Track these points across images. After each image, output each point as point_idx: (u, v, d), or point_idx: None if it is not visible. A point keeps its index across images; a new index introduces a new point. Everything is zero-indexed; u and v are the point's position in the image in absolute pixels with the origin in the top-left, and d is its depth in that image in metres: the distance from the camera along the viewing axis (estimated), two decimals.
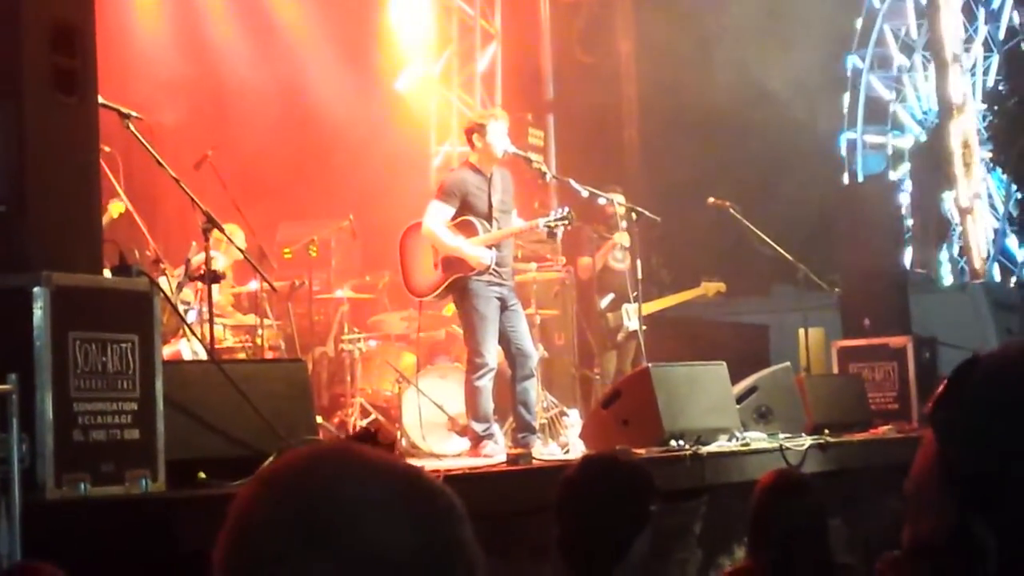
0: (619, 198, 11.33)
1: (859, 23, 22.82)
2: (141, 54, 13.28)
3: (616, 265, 11.91)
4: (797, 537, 4.62)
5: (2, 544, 5.09)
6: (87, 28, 6.26)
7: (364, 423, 11.03)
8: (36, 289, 5.58)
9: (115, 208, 9.84)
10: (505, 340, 9.41)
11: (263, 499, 1.52)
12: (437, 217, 9.40)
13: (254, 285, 10.99)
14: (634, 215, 10.44)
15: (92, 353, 5.74)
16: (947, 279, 21.92)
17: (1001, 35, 24.46)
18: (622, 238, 11.68)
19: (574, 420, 10.03)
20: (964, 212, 21.71)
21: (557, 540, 4.14)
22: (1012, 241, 22.96)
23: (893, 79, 23.38)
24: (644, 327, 11.33)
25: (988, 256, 22.77)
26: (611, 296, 12.02)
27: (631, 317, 12.04)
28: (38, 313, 5.56)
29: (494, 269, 9.33)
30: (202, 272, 8.35)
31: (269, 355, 10.71)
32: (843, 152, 22.35)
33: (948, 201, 22.82)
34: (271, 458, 6.10)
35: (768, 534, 4.68)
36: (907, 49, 23.24)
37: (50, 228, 5.99)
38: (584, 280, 12.11)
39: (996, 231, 23.37)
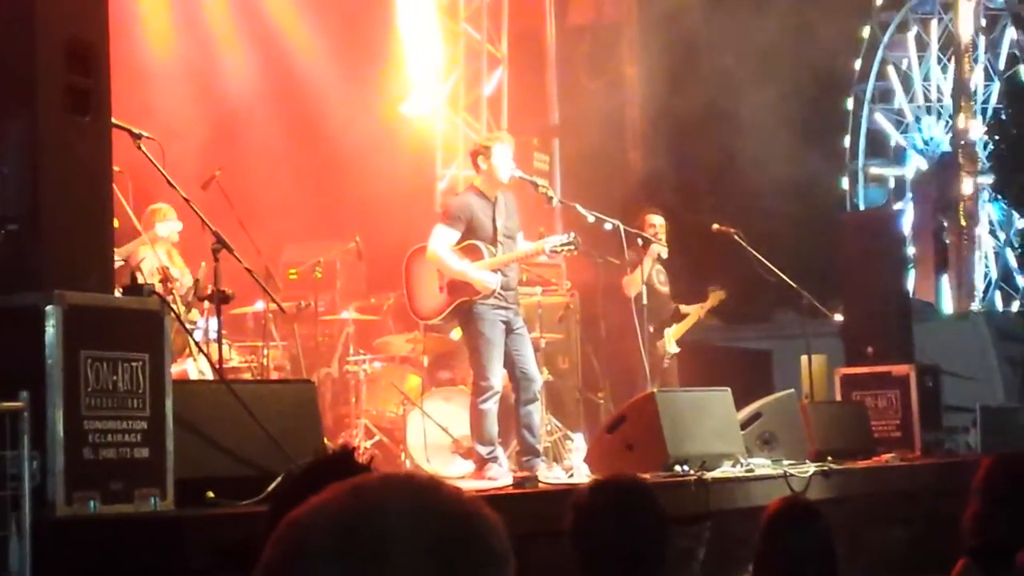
0: (659, 220, 11.56)
1: (858, 60, 22.93)
2: (150, 74, 13.33)
3: (661, 288, 12.03)
4: (805, 565, 4.61)
5: (13, 561, 5.11)
6: (101, 48, 6.29)
7: (369, 444, 11.05)
8: (48, 307, 5.61)
9: (167, 228, 9.97)
10: (510, 363, 9.41)
11: (307, 525, 1.54)
12: (442, 241, 9.41)
13: (260, 305, 11.02)
14: (639, 240, 10.48)
15: (103, 371, 5.76)
16: (948, 307, 21.91)
17: (1001, 64, 24.52)
18: (660, 250, 11.79)
19: (579, 444, 10.04)
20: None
21: (580, 567, 4.13)
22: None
23: (894, 111, 23.45)
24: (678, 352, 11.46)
25: (989, 285, 22.81)
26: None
27: (671, 341, 12.10)
28: (50, 331, 5.59)
29: (499, 292, 9.34)
30: (211, 292, 8.37)
31: (275, 375, 10.73)
32: (845, 185, 22.41)
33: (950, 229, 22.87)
34: (278, 479, 6.13)
35: (775, 561, 4.67)
36: (907, 80, 23.31)
37: (62, 247, 6.01)
38: (630, 298, 12.02)
39: (997, 258, 23.40)
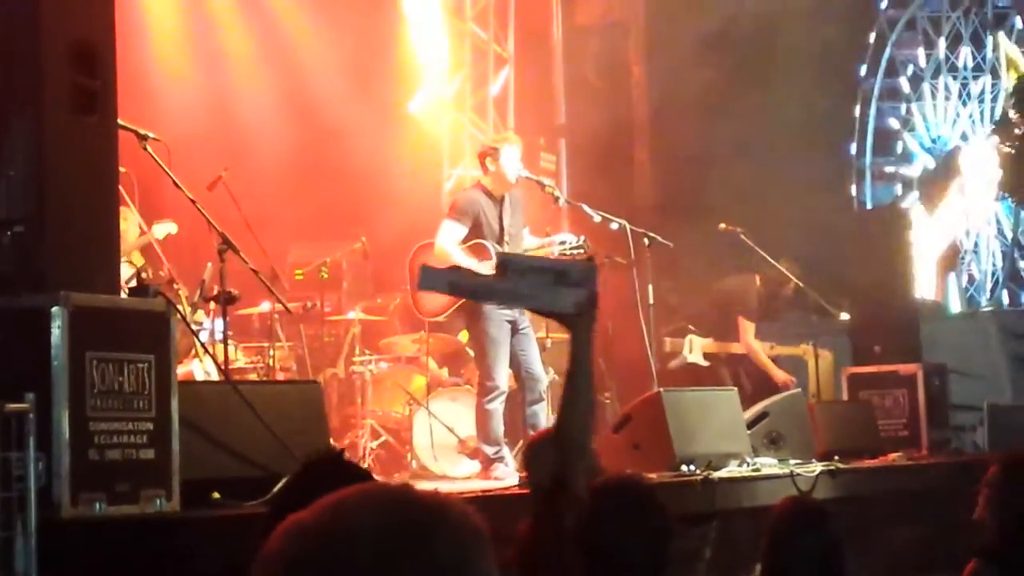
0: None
1: (871, 38, 22.88)
2: (156, 75, 13.33)
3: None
4: (813, 565, 4.61)
5: (18, 562, 5.10)
6: (107, 48, 6.29)
7: (375, 445, 11.05)
8: (54, 309, 5.60)
9: (161, 230, 9.94)
10: (515, 363, 9.42)
11: (287, 535, 1.59)
12: (450, 236, 9.42)
13: (266, 306, 11.02)
14: (646, 240, 10.45)
15: (109, 373, 5.76)
16: (956, 306, 21.87)
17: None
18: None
19: None
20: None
21: (584, 570, 4.12)
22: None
23: (902, 108, 23.41)
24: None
25: (997, 283, 22.77)
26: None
27: (693, 350, 12.07)
28: (56, 332, 5.59)
29: None
30: (216, 293, 8.37)
31: (281, 376, 10.73)
32: (852, 183, 22.38)
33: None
34: (284, 480, 6.13)
35: (785, 563, 4.66)
36: (916, 79, 23.26)
37: (68, 248, 6.02)
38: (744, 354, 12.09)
39: (1004, 257, 23.36)
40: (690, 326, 12.34)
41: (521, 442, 9.76)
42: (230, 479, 6.34)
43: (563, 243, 9.61)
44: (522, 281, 3.75)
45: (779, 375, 12.04)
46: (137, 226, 10.13)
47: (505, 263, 3.84)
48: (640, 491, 4.33)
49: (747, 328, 12.12)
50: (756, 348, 12.13)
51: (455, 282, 3.98)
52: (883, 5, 22.41)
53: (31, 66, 6.04)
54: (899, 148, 23.20)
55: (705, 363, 12.15)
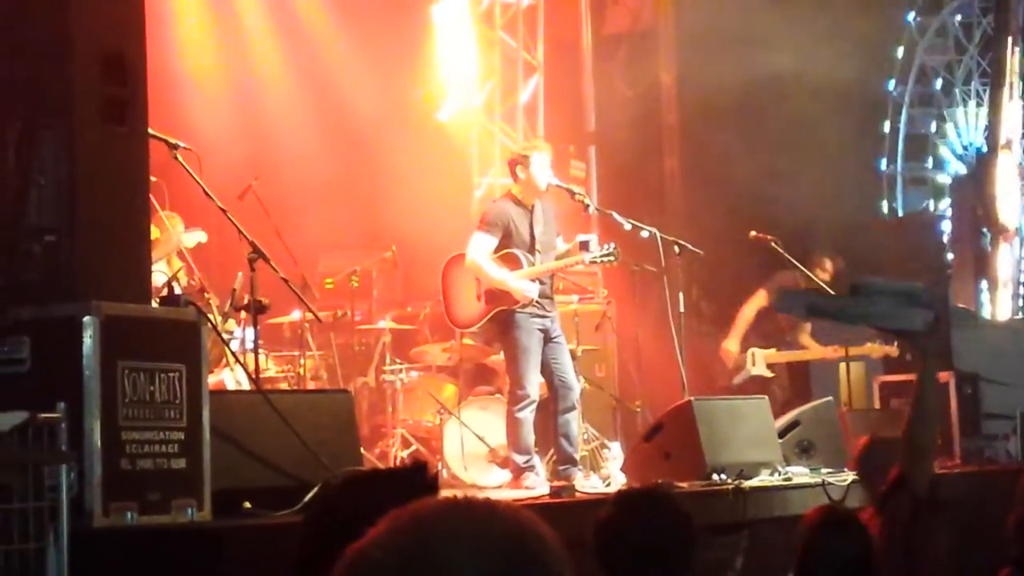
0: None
1: (899, 53, 22.81)
2: (186, 85, 13.38)
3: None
4: (845, 574, 4.59)
5: (50, 572, 5.12)
6: (138, 59, 6.31)
7: (405, 454, 11.04)
8: (86, 318, 5.63)
9: (191, 238, 9.92)
10: (548, 372, 9.40)
11: (371, 560, 1.55)
12: (481, 249, 9.41)
13: (296, 315, 11.03)
14: (676, 248, 10.42)
15: (140, 382, 5.78)
16: (987, 313, 21.76)
17: None
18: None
19: (615, 453, 10.00)
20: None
21: None
22: None
23: (933, 115, 23.32)
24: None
25: None
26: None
27: (756, 363, 12.04)
28: (87, 342, 5.61)
29: (537, 301, 9.33)
30: (247, 302, 8.38)
31: (311, 385, 10.74)
32: (884, 190, 22.31)
33: (989, 236, 22.69)
34: (315, 489, 6.13)
35: (817, 573, 4.63)
36: (948, 84, 23.17)
37: (99, 258, 6.04)
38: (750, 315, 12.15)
39: None
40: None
41: (552, 451, 9.74)
42: (261, 488, 6.34)
43: (586, 246, 9.59)
44: (875, 302, 3.93)
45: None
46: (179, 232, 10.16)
47: (859, 287, 4.08)
48: (659, 498, 4.31)
49: (802, 327, 12.10)
50: (813, 346, 12.22)
51: (813, 304, 4.16)
52: (910, 16, 22.33)
53: (62, 76, 6.07)
54: (931, 155, 23.10)
55: (771, 374, 12.17)
